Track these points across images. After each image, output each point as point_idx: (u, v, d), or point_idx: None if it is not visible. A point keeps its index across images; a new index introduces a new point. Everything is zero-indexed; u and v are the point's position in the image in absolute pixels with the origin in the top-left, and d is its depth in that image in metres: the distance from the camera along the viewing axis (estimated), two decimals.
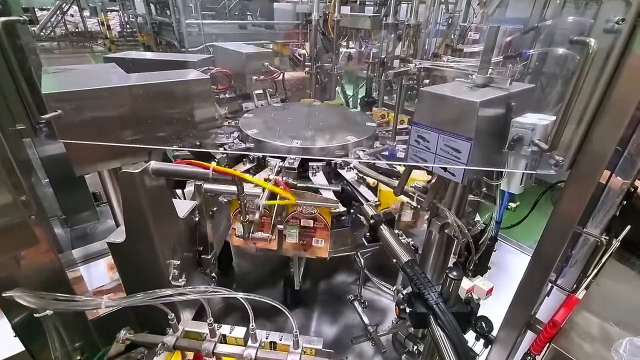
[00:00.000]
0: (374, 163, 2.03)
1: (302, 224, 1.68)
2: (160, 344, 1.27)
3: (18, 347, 1.25)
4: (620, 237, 1.57)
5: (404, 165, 1.56)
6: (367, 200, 1.76)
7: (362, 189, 1.88)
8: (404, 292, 2.19)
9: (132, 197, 1.31)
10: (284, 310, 1.19)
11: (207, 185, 1.64)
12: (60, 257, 1.32)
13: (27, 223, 1.10)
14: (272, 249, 1.75)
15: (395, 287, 2.21)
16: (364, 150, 2.12)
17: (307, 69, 3.12)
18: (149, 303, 1.18)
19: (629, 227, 1.60)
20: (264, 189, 1.59)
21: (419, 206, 1.64)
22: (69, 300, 1.15)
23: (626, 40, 0.83)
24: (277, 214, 1.63)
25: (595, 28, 0.88)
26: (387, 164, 2.01)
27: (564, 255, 1.29)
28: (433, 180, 1.60)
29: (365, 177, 1.94)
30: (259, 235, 1.65)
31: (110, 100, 1.51)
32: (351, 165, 2.03)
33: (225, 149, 2.12)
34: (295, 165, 1.89)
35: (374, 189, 1.93)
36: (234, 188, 1.49)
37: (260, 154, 2.01)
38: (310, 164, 1.99)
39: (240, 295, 1.19)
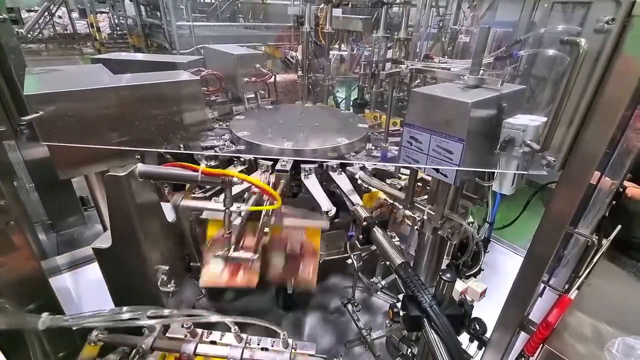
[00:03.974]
0: (366, 166, 2.01)
1: (287, 249, 1.62)
2: (135, 348, 1.19)
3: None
4: (611, 237, 1.58)
5: (402, 168, 1.54)
6: (353, 204, 1.74)
7: (349, 192, 1.85)
8: (383, 282, 2.18)
9: (118, 200, 1.27)
10: (274, 328, 1.16)
11: (184, 203, 1.57)
12: (43, 264, 1.28)
13: (5, 229, 1.06)
14: (251, 286, 1.51)
15: (373, 278, 2.21)
16: (357, 152, 2.10)
17: (298, 79, 3.11)
18: (96, 325, 1.12)
19: (619, 227, 1.61)
20: (247, 197, 1.56)
21: (425, 218, 1.59)
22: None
23: (616, 40, 0.83)
24: (262, 227, 1.55)
25: (585, 28, 0.88)
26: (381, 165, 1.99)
27: (556, 255, 1.29)
28: (438, 191, 1.57)
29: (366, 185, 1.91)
30: (240, 255, 1.51)
31: (95, 101, 1.47)
32: (357, 175, 1.98)
33: (215, 152, 2.08)
34: (288, 167, 1.87)
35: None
36: (211, 205, 1.49)
37: (252, 156, 1.98)
38: (302, 166, 1.97)
39: (221, 318, 1.14)
